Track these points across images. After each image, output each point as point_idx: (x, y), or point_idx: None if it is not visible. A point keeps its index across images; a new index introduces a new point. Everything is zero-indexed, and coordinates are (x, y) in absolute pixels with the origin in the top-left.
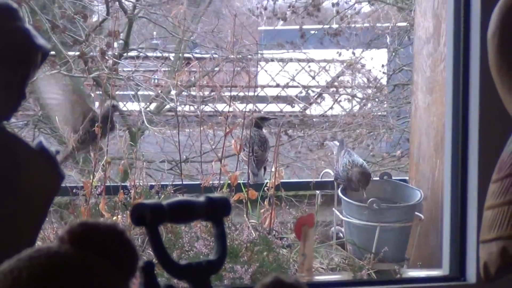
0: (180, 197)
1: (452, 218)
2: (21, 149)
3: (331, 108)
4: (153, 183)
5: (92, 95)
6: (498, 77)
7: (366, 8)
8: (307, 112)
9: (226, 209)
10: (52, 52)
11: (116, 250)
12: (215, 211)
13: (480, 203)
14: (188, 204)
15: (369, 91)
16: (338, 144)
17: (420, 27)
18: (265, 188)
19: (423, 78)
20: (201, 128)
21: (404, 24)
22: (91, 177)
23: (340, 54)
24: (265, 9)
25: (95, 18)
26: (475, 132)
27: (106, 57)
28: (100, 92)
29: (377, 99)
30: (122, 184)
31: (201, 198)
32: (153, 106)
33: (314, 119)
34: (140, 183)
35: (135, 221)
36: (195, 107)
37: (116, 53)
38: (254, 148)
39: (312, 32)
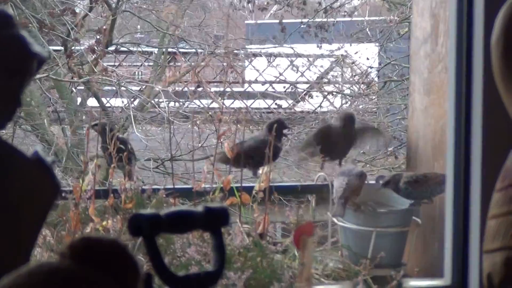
0: (178, 208)
1: (454, 226)
2: (16, 159)
3: (320, 106)
4: (145, 187)
5: (74, 90)
6: (502, 83)
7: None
8: (296, 108)
9: (225, 220)
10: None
11: (118, 266)
12: (214, 221)
13: (483, 212)
14: (186, 215)
15: (356, 88)
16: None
17: (417, 27)
18: (254, 193)
19: (421, 79)
20: (192, 124)
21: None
22: (81, 181)
23: (320, 47)
24: (248, 2)
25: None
26: (478, 138)
27: (94, 54)
28: (83, 88)
29: (368, 97)
30: (113, 188)
31: (199, 208)
32: (136, 102)
33: (303, 116)
34: (131, 187)
35: (133, 232)
36: (181, 103)
37: (100, 49)
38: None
39: (303, 26)
